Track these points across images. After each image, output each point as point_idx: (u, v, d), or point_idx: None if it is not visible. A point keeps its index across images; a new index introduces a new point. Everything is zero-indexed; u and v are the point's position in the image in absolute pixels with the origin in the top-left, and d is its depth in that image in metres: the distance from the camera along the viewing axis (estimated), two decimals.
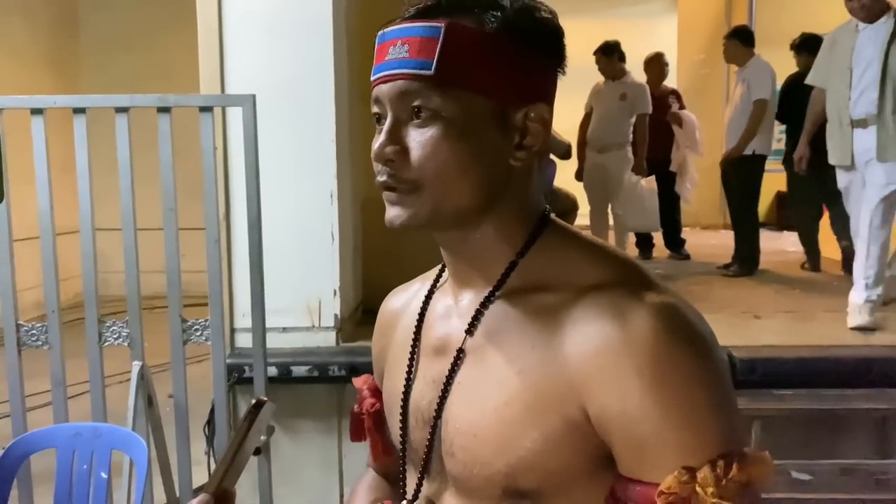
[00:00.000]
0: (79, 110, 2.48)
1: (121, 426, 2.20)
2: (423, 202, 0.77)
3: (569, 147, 5.09)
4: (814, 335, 3.26)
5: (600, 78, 5.54)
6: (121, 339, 2.54)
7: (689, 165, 5.80)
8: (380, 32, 0.79)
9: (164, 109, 2.46)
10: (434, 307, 0.89)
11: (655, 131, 5.50)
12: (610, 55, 5.39)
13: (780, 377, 2.81)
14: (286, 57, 2.99)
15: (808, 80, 3.94)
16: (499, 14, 0.75)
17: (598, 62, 5.46)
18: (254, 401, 0.84)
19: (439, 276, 0.92)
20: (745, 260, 5.03)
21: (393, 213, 0.79)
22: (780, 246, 6.31)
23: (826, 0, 7.95)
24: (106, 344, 2.54)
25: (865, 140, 3.47)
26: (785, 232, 7.13)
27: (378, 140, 0.78)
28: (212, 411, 2.78)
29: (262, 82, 2.84)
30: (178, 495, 2.56)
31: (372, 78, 0.79)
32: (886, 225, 3.46)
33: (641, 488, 0.71)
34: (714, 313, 3.36)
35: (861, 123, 3.50)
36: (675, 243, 5.94)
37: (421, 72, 0.74)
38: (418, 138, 0.76)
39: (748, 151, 4.92)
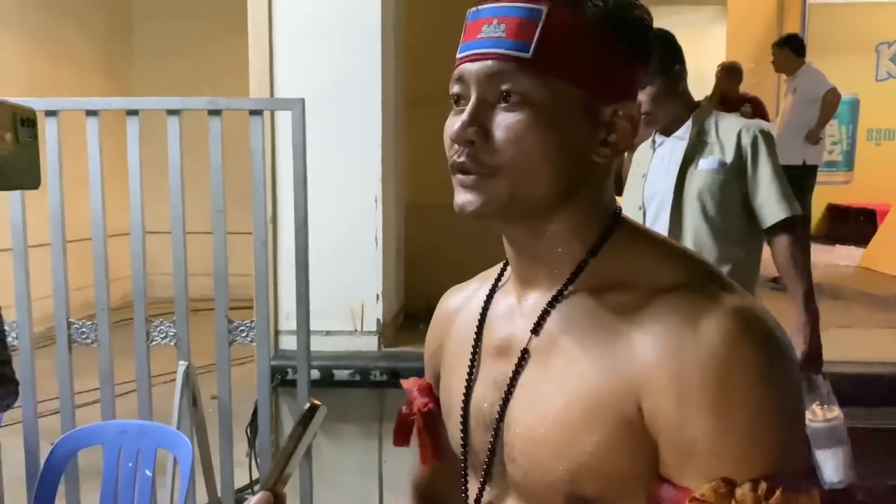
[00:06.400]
0: (132, 112, 2.53)
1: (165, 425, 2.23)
2: (500, 189, 0.73)
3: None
4: (870, 351, 3.16)
5: None
6: (167, 339, 2.58)
7: None
8: (472, 9, 0.75)
9: (214, 112, 2.49)
10: (495, 307, 0.85)
11: None
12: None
13: (835, 394, 2.71)
14: (335, 62, 3.01)
15: None
16: (601, 4, 0.72)
17: None
18: (308, 405, 0.84)
19: (500, 275, 0.89)
20: None
21: (465, 199, 0.74)
22: (832, 259, 6.15)
23: (881, 7, 7.80)
24: (153, 343, 2.58)
25: None
26: (837, 245, 6.96)
27: (458, 120, 0.73)
28: (254, 413, 2.80)
29: (311, 87, 2.85)
30: (219, 495, 2.59)
31: (458, 55, 0.76)
32: None
33: (675, 492, 0.67)
34: None
35: None
36: None
37: (518, 53, 0.71)
38: (503, 122, 0.72)
39: (798, 162, 4.81)
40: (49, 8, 6.80)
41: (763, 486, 0.64)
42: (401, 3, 3.34)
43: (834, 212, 7.66)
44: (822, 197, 6.69)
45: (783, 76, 5.52)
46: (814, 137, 4.77)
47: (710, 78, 5.71)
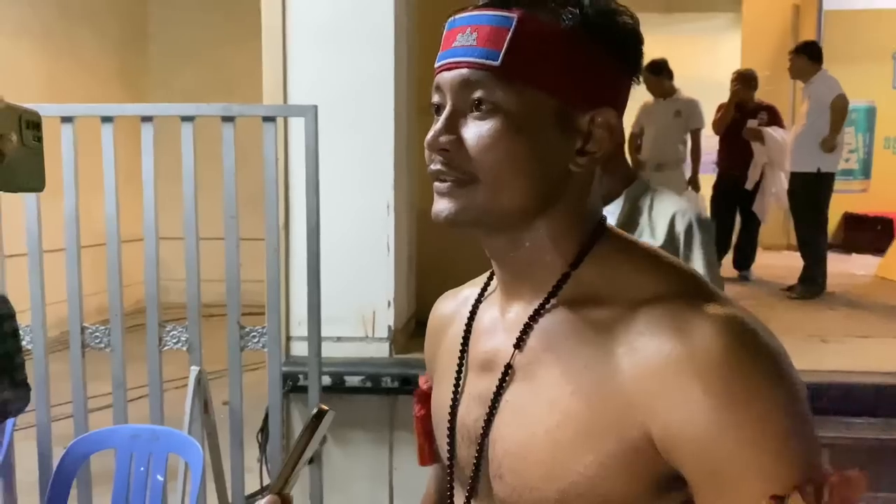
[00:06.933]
0: (146, 119, 2.55)
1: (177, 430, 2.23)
2: (475, 197, 0.72)
3: None
4: (885, 361, 3.12)
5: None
6: (180, 344, 2.58)
7: (770, 183, 5.52)
8: (450, 19, 0.75)
9: (228, 119, 2.51)
10: (481, 318, 0.84)
11: (736, 147, 5.32)
12: (658, 74, 5.28)
13: (849, 404, 2.69)
14: (348, 69, 3.02)
15: None
16: (577, 11, 0.71)
17: (645, 81, 5.36)
18: (315, 409, 0.83)
19: (487, 284, 0.87)
20: (812, 282, 4.87)
21: (441, 206, 0.74)
22: (848, 268, 6.10)
23: None
24: (165, 348, 2.59)
25: None
26: (854, 254, 6.90)
27: (433, 128, 0.74)
28: (265, 418, 2.81)
29: (324, 93, 2.86)
30: (230, 501, 2.59)
31: (436, 65, 0.76)
32: None
33: None
34: (778, 336, 3.25)
35: None
36: (744, 264, 5.76)
37: (486, 61, 0.71)
38: (476, 130, 0.72)
39: (812, 169, 4.78)
40: (67, 15, 6.88)
41: (810, 490, 0.63)
42: (413, 10, 3.35)
43: (850, 220, 7.59)
44: (839, 205, 6.61)
45: (799, 84, 5.48)
46: (828, 145, 4.74)
47: (726, 86, 5.68)
